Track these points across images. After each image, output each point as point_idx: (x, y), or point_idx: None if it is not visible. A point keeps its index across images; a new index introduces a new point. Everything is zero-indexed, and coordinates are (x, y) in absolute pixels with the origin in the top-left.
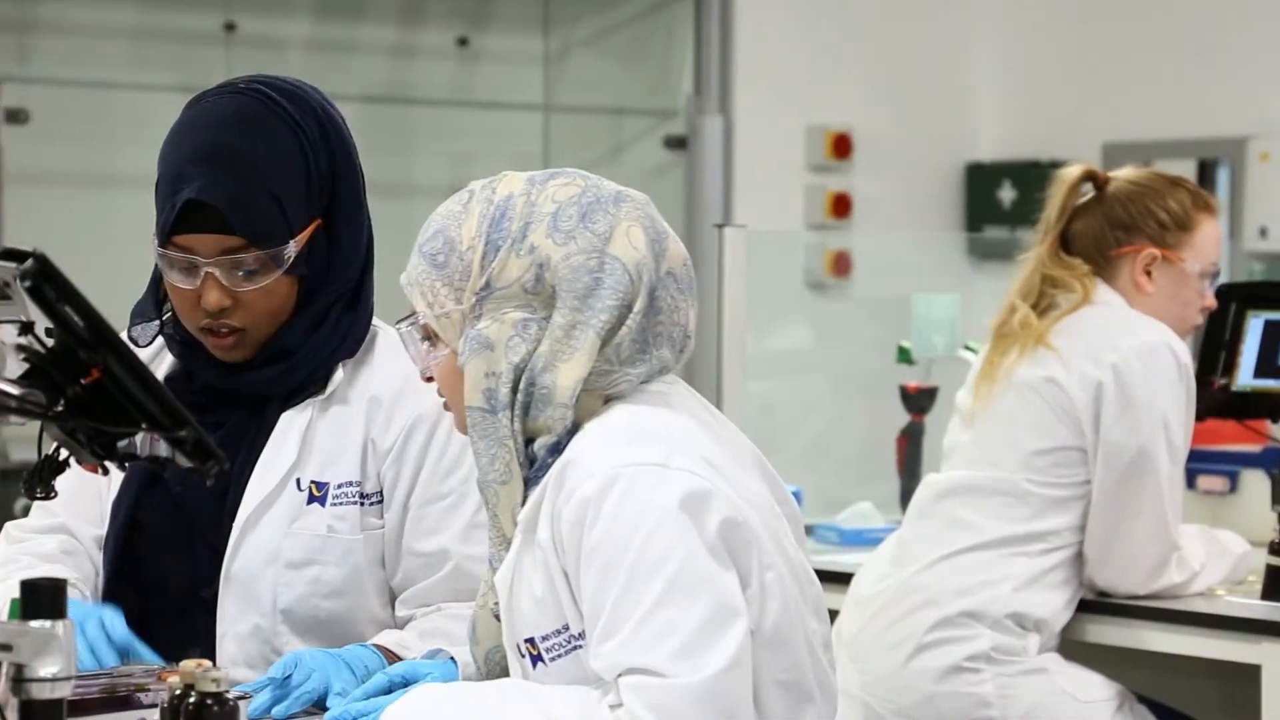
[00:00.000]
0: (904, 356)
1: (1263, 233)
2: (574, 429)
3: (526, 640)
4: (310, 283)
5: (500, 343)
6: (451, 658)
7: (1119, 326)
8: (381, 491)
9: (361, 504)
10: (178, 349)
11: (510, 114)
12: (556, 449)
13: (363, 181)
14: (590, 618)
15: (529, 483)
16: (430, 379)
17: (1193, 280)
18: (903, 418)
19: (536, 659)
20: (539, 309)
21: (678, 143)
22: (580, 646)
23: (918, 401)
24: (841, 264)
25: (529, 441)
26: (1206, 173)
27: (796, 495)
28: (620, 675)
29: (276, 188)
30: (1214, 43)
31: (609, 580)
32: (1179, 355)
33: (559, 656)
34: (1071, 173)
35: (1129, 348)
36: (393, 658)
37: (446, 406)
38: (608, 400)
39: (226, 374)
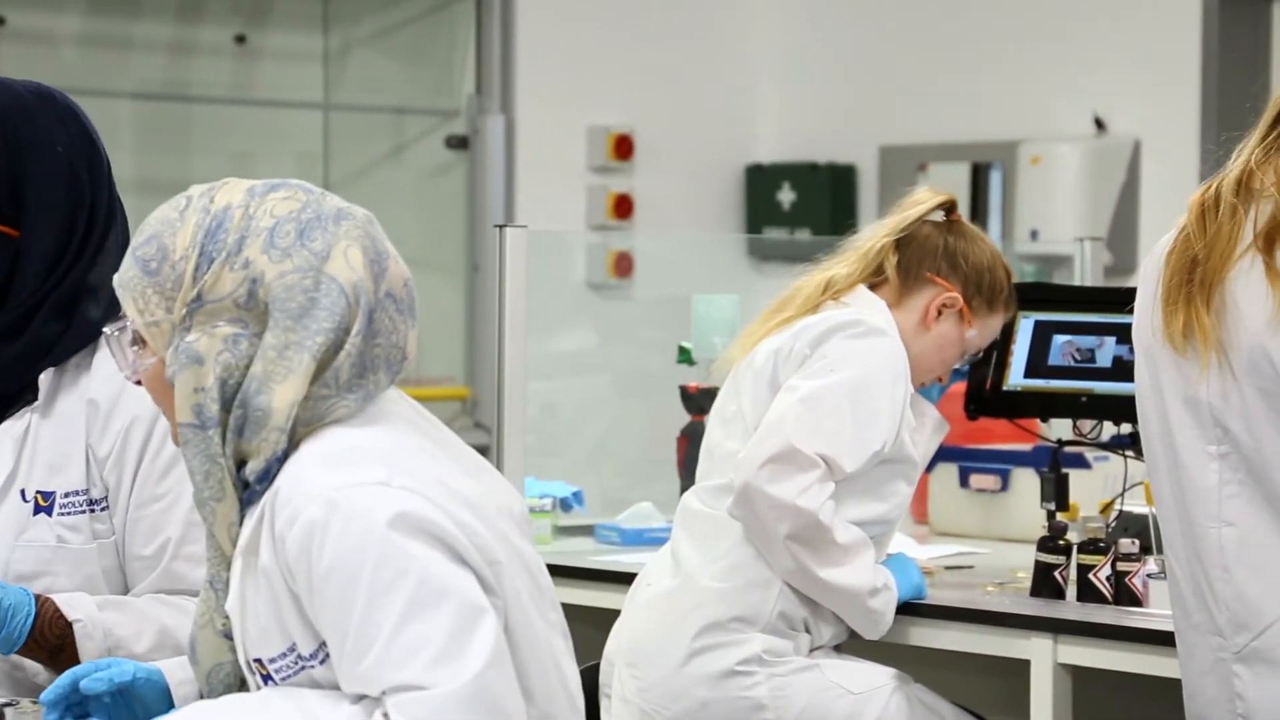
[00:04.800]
0: (684, 357)
1: (1034, 235)
2: (287, 452)
3: (255, 660)
4: None
5: (209, 357)
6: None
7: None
8: (106, 498)
9: (91, 511)
10: None
11: (290, 112)
12: (266, 475)
13: (74, 189)
14: (335, 642)
15: (245, 502)
16: (140, 383)
17: (960, 347)
18: (683, 418)
19: (267, 678)
20: (251, 325)
21: (459, 142)
22: (310, 667)
23: (698, 402)
24: (623, 264)
25: (241, 463)
26: (979, 176)
27: (578, 495)
28: (382, 694)
29: None
30: (987, 48)
31: (348, 604)
32: (874, 326)
33: (289, 676)
34: (939, 195)
35: (818, 318)
36: (52, 610)
37: None
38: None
39: None
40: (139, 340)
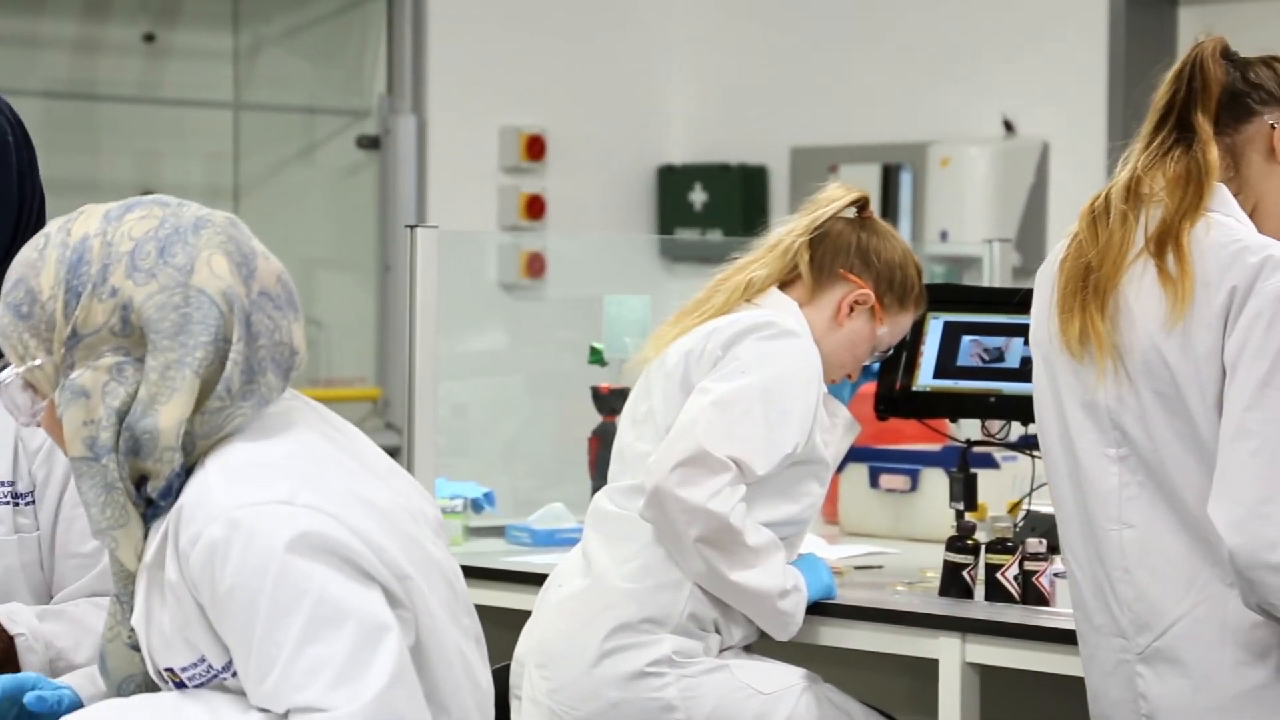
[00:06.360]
0: (596, 357)
1: (943, 236)
2: (190, 467)
3: (166, 669)
4: None
5: (96, 389)
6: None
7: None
8: (33, 492)
9: (15, 504)
10: None
11: (199, 112)
12: (168, 492)
13: (21, 182)
14: (239, 660)
15: (150, 517)
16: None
17: (871, 343)
18: (595, 418)
19: (180, 685)
20: (133, 351)
21: (370, 142)
22: (222, 677)
23: (609, 402)
24: (535, 265)
25: (143, 480)
26: (890, 177)
27: (489, 496)
28: (286, 714)
29: None
30: (897, 50)
31: (249, 624)
32: (783, 328)
33: (202, 684)
34: (852, 191)
35: (730, 320)
36: None
37: None
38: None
39: None
40: (29, 386)
